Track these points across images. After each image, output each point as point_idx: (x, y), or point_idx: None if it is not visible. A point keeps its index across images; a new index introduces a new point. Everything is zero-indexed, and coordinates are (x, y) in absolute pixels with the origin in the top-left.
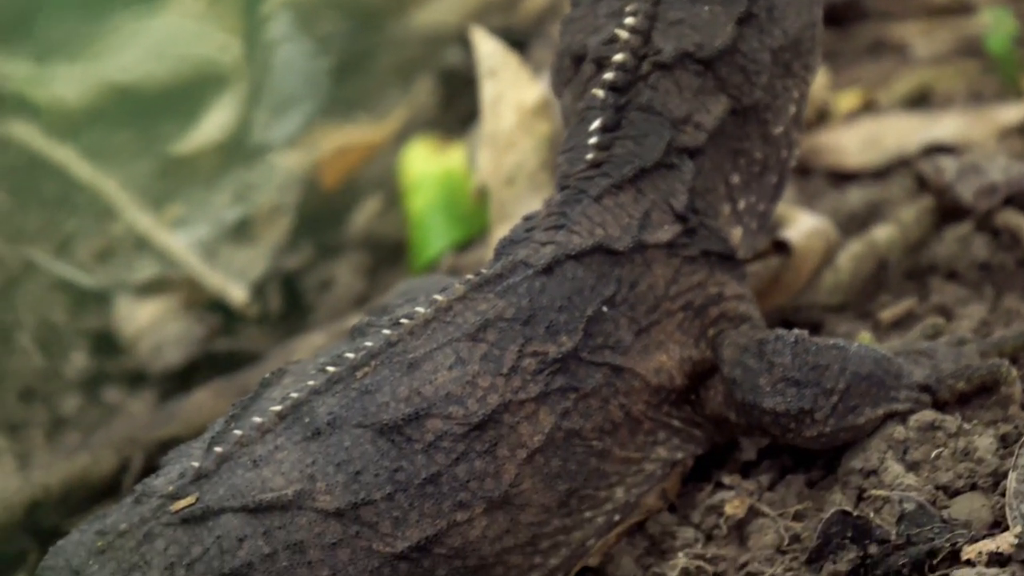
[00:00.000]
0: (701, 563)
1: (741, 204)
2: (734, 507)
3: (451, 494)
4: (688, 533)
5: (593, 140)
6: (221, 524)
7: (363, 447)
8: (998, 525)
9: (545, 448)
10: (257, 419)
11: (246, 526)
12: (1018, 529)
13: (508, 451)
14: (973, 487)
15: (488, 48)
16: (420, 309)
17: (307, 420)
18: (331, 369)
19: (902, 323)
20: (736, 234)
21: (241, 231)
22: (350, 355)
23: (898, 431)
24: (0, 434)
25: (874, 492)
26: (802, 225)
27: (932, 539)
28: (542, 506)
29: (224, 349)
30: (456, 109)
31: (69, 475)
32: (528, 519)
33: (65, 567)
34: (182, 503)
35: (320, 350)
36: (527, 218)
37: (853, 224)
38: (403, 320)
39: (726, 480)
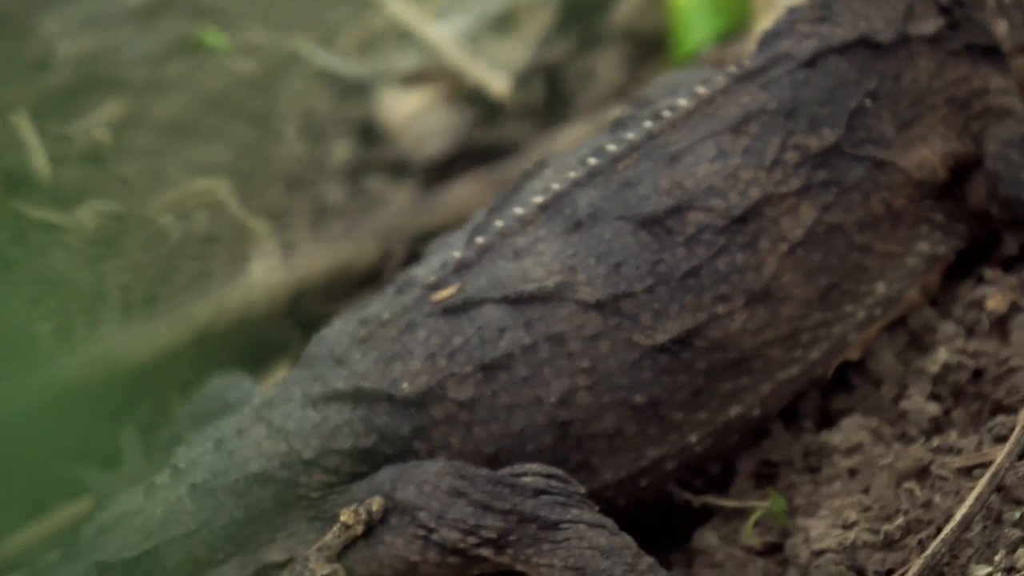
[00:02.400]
0: (962, 358)
1: None
2: (996, 302)
3: (712, 287)
4: (949, 328)
5: None
6: (482, 314)
7: (624, 239)
8: None
9: (806, 242)
10: (518, 210)
11: (507, 317)
12: None
13: (769, 244)
14: None
15: None
16: (682, 101)
17: (568, 212)
18: (592, 161)
19: None
20: (1001, 27)
21: (504, 22)
22: (611, 147)
23: None
24: (266, 222)
25: None
26: None
27: None
28: (802, 300)
29: (485, 140)
30: None
31: (332, 264)
32: (788, 313)
33: (328, 355)
34: (444, 293)
35: (581, 142)
36: (791, 10)
37: None
38: (665, 112)
39: (988, 275)
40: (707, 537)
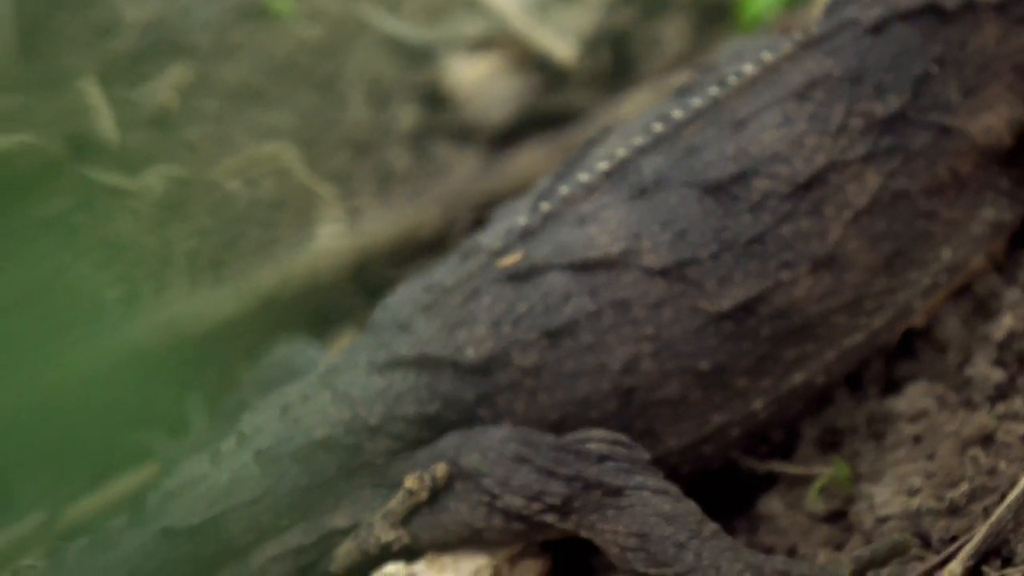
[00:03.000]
0: None
1: None
2: None
3: (776, 254)
4: (1015, 294)
5: None
6: (547, 281)
7: (689, 206)
8: None
9: (871, 208)
10: (583, 177)
11: (572, 283)
12: None
13: (834, 211)
14: None
15: None
16: (747, 67)
17: (633, 178)
18: (657, 127)
19: None
20: None
21: None
22: (676, 113)
23: None
24: (332, 187)
25: None
26: None
27: None
28: (867, 266)
29: (551, 107)
30: None
31: (397, 230)
32: (853, 279)
33: (393, 322)
34: (508, 260)
35: (646, 108)
36: None
37: None
38: (730, 78)
39: None
40: (771, 504)
